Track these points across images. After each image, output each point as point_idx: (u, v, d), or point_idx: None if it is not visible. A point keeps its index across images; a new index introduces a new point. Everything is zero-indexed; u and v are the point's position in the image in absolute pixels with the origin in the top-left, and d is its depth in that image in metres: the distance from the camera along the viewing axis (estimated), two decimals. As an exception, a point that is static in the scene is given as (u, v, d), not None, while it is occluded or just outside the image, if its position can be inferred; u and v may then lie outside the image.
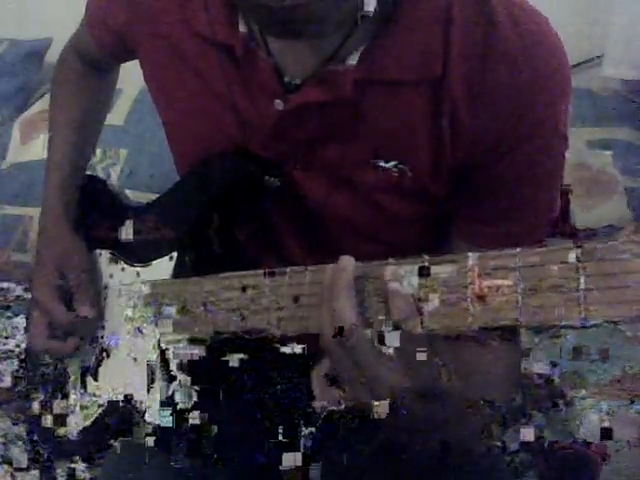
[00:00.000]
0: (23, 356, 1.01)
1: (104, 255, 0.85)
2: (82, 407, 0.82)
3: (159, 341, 0.74)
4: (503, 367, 0.68)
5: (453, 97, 0.61)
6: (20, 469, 1.02)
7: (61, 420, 0.84)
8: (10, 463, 1.03)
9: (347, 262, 0.49)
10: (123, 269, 0.81)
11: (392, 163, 0.65)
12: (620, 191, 1.32)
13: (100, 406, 0.80)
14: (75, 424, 0.83)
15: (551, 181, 0.68)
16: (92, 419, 0.81)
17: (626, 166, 1.34)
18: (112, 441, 0.82)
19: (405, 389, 0.47)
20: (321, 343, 0.49)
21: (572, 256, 0.40)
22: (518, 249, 0.43)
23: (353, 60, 0.62)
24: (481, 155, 0.63)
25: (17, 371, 1.17)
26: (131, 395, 0.75)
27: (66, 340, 0.81)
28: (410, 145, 0.64)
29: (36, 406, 0.91)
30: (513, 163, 0.64)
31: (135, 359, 0.76)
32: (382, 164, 0.65)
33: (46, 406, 0.88)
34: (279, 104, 0.65)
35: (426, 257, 0.47)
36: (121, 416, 0.78)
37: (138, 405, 0.73)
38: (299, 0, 0.50)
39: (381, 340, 0.48)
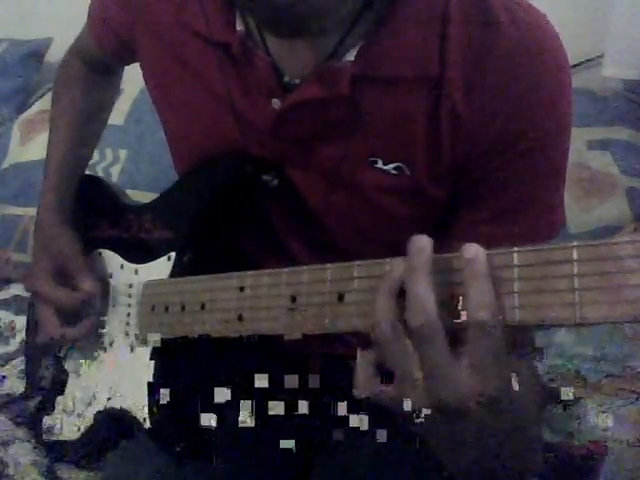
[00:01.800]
0: (23, 358, 1.02)
1: (104, 254, 0.85)
2: (81, 408, 0.82)
3: (156, 341, 0.74)
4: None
5: (451, 95, 0.61)
6: (21, 470, 1.02)
7: (60, 422, 0.84)
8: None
9: (425, 242, 0.45)
10: (122, 267, 0.81)
11: (390, 162, 0.65)
12: (620, 191, 1.31)
13: (99, 408, 0.80)
14: (74, 426, 0.82)
15: (552, 181, 0.67)
16: (91, 421, 0.81)
17: (626, 166, 1.34)
18: (111, 443, 0.82)
19: (474, 395, 0.42)
20: (376, 333, 0.44)
21: (568, 255, 0.40)
22: (515, 248, 0.42)
23: (351, 57, 0.62)
24: (480, 154, 0.63)
25: (18, 373, 1.18)
26: (130, 394, 0.75)
27: (76, 325, 0.81)
28: (408, 143, 0.64)
29: (36, 408, 0.91)
30: (512, 163, 0.63)
31: (134, 357, 0.76)
32: (380, 163, 0.65)
33: (46, 408, 0.88)
34: (277, 103, 0.65)
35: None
36: (120, 417, 0.78)
37: (137, 407, 0.73)
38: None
39: (454, 335, 0.43)
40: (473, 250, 0.43)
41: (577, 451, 0.97)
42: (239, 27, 0.65)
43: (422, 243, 0.45)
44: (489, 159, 0.63)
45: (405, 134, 0.63)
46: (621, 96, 1.42)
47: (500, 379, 0.42)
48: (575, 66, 1.42)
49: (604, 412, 0.98)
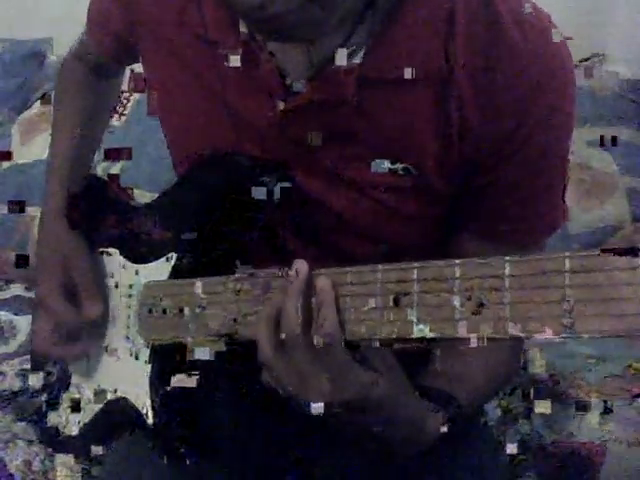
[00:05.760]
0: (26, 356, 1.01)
1: (105, 254, 0.85)
2: (83, 404, 0.82)
3: (155, 341, 0.74)
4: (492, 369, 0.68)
5: (458, 95, 0.61)
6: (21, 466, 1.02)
7: (65, 418, 0.84)
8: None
9: (302, 265, 0.51)
10: (123, 267, 0.81)
11: (398, 163, 0.65)
12: (620, 191, 1.32)
13: (101, 404, 0.80)
14: (76, 421, 0.83)
15: (555, 178, 0.68)
16: (92, 416, 0.81)
17: (626, 166, 1.34)
18: (112, 439, 0.82)
19: (335, 399, 0.49)
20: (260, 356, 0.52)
21: (560, 266, 0.39)
22: (506, 257, 0.42)
23: (356, 59, 0.62)
24: (487, 152, 0.63)
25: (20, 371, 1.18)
26: (131, 394, 0.75)
27: (73, 344, 0.80)
28: (415, 144, 0.64)
29: (45, 404, 0.92)
30: (518, 161, 0.64)
31: (135, 358, 0.76)
32: (387, 163, 0.65)
33: (49, 404, 0.88)
34: (281, 104, 0.65)
35: (415, 264, 0.47)
36: (121, 415, 0.78)
37: (138, 404, 0.73)
38: (281, 8, 0.50)
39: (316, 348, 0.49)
40: (322, 281, 0.49)
41: (577, 451, 0.97)
42: (242, 29, 0.65)
43: (299, 266, 0.51)
44: (496, 156, 0.64)
45: (412, 135, 0.63)
46: (621, 96, 1.42)
47: (357, 386, 0.49)
48: (575, 66, 1.42)
49: (604, 412, 0.98)
